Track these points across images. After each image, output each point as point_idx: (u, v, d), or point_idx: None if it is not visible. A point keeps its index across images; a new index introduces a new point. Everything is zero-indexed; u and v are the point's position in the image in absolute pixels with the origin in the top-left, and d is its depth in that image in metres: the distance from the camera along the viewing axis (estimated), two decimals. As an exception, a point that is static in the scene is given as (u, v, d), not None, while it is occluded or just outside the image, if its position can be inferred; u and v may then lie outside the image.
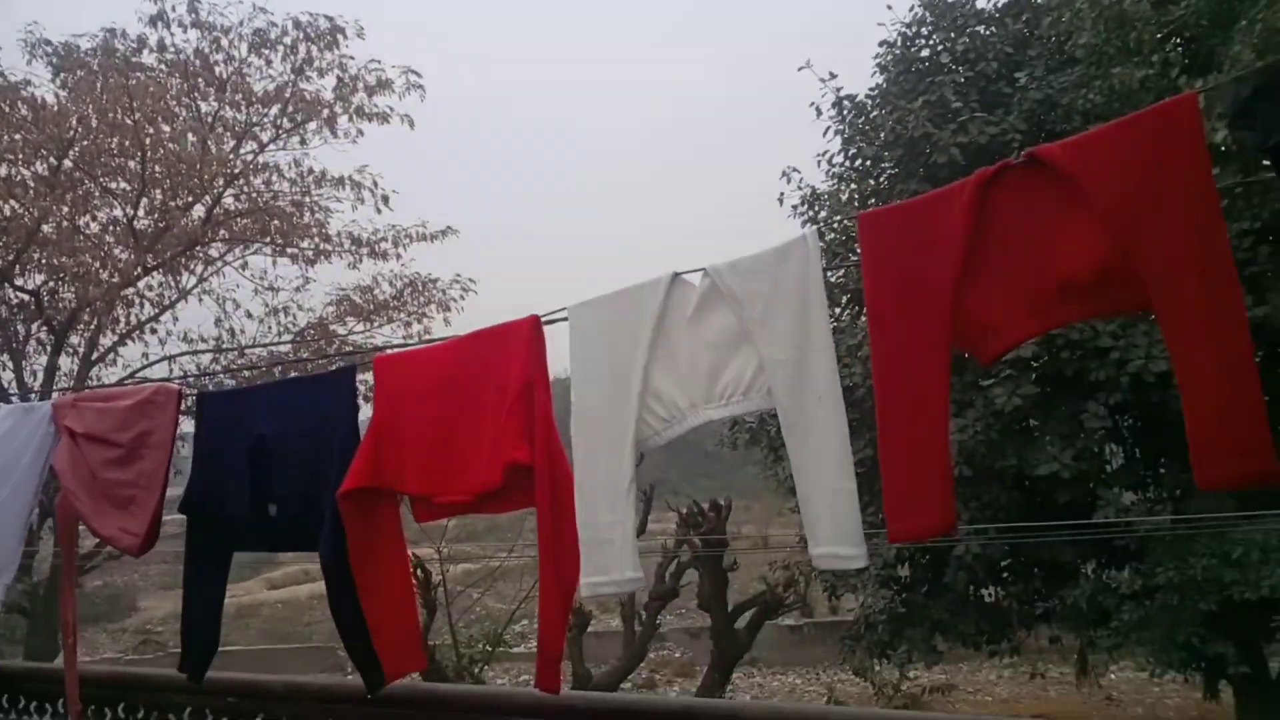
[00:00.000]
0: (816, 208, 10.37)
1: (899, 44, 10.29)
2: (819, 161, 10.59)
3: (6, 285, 12.58)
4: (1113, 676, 13.24)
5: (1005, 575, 9.35)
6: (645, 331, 1.58)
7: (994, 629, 9.48)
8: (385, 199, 12.79)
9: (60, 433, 2.30)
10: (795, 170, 10.52)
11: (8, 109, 11.63)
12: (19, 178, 12.17)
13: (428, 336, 13.78)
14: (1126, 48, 7.81)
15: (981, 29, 9.91)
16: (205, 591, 2.15)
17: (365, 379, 2.06)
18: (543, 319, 1.73)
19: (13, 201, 11.86)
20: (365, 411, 2.00)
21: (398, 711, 2.03)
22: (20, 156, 12.15)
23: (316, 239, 13.36)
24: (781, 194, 10.54)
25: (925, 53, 10.09)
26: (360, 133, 12.91)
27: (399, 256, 13.50)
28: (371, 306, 13.65)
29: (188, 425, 2.26)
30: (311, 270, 13.69)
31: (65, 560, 2.41)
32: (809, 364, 1.42)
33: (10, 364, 13.26)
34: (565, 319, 1.72)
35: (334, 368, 2.00)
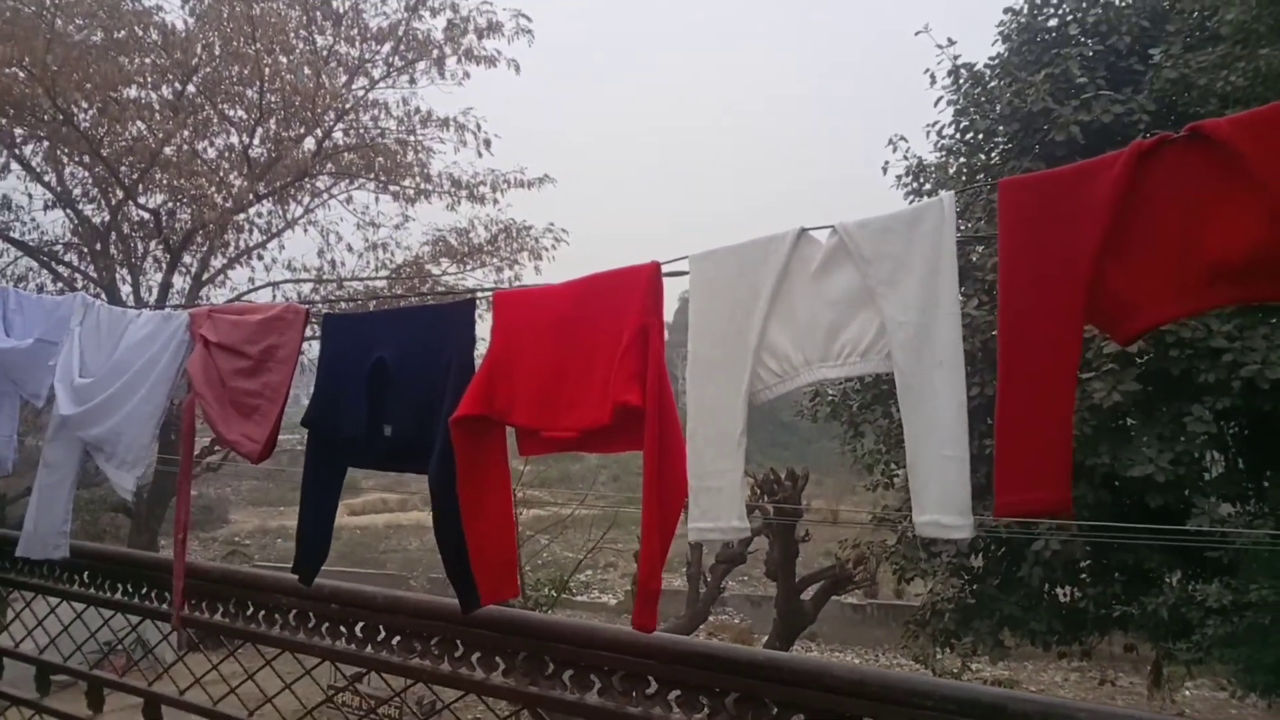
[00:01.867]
0: (922, 179, 10.08)
1: (1025, 12, 9.83)
2: (928, 132, 10.28)
3: (130, 203, 13.27)
4: (1187, 693, 12.81)
5: (1084, 576, 9.10)
6: (766, 285, 1.58)
7: (1066, 630, 9.25)
8: (487, 143, 13.00)
9: (195, 340, 2.44)
10: (902, 139, 10.24)
11: (140, 33, 12.15)
12: (146, 100, 12.75)
13: (518, 282, 14.02)
14: (1279, 27, 7.29)
15: (1116, 0, 9.38)
16: (320, 502, 2.28)
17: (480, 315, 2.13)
18: (663, 266, 1.75)
19: (140, 123, 12.44)
20: (480, 347, 2.07)
21: (489, 635, 2.11)
22: (149, 80, 12.71)
23: (418, 178, 13.68)
24: (886, 163, 10.29)
25: (1053, 23, 9.62)
26: (467, 75, 13.10)
27: (496, 201, 13.73)
28: (466, 249, 13.95)
29: (314, 345, 2.38)
30: (411, 209, 14.06)
31: (184, 462, 2.57)
32: (933, 329, 1.41)
33: (129, 278, 14.03)
34: (686, 271, 1.74)
35: (454, 299, 2.07)
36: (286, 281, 14.35)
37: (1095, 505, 8.29)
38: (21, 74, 10.99)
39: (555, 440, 1.86)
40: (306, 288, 14.49)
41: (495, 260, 14.18)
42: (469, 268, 14.28)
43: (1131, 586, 8.51)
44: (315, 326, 2.31)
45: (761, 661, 1.76)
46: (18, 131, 12.63)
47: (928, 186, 10.23)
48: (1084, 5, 9.28)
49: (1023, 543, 8.66)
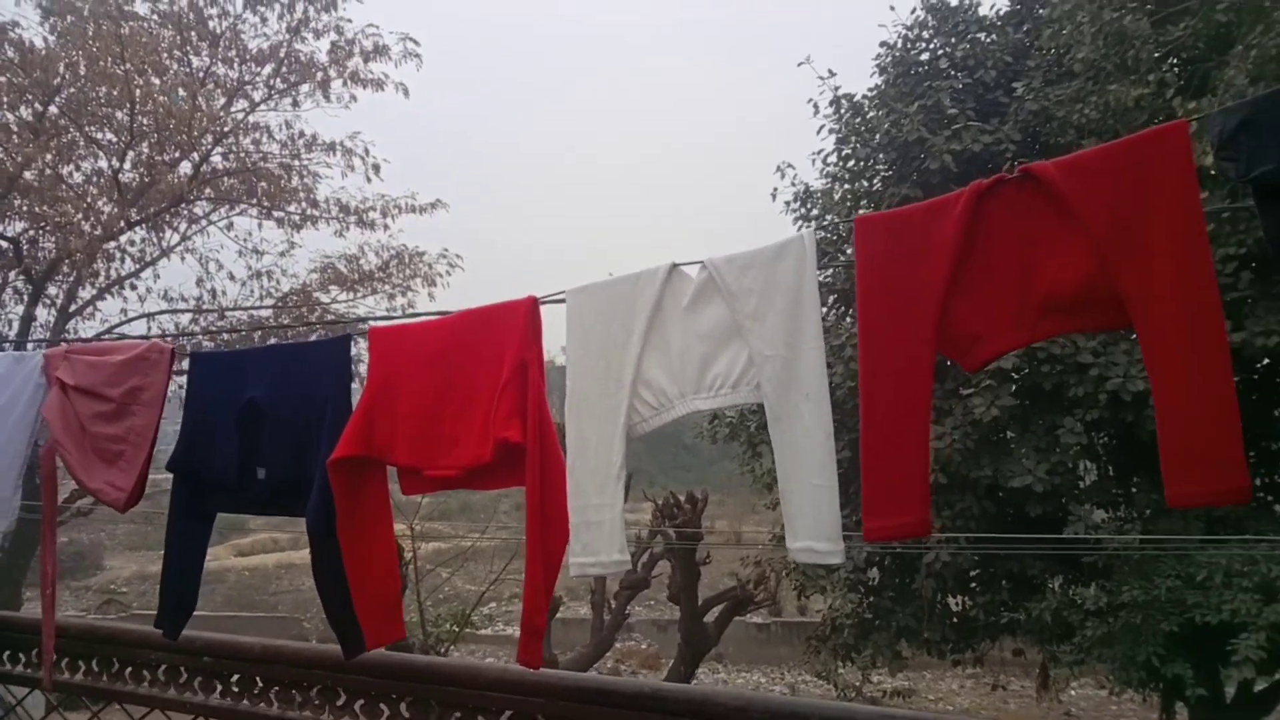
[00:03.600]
0: (809, 205, 10.42)
1: (899, 45, 10.34)
2: (813, 160, 10.65)
3: (-14, 231, 12.40)
4: (1073, 693, 13.49)
5: (973, 585, 9.49)
6: (641, 319, 1.61)
7: (959, 638, 9.60)
8: (376, 168, 12.74)
9: (51, 383, 2.30)
10: (790, 166, 10.58)
11: (-6, 51, 11.42)
12: (3, 121, 11.97)
13: (411, 310, 13.76)
14: (1124, 65, 7.89)
15: (982, 36, 9.97)
16: (187, 550, 2.17)
17: (357, 350, 2.08)
18: (540, 300, 1.76)
19: (-4, 147, 11.66)
20: (355, 383, 2.02)
21: (373, 680, 2.05)
22: (5, 100, 11.95)
23: (304, 204, 13.28)
24: (775, 189, 10.59)
25: (925, 56, 10.15)
26: (354, 98, 12.81)
27: (386, 227, 13.44)
28: (356, 276, 13.60)
29: (179, 383, 2.27)
30: (297, 235, 13.61)
31: (46, 511, 2.41)
32: (799, 362, 1.46)
33: (-14, 312, 13.08)
34: (563, 301, 1.75)
35: (329, 336, 2.01)
36: (163, 312, 13.65)
37: (981, 516, 8.68)
38: None
39: (438, 479, 1.83)
40: (185, 318, 13.82)
41: (388, 287, 13.86)
42: (360, 295, 13.91)
43: (1017, 593, 8.92)
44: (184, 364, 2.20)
45: (647, 693, 1.76)
46: None
47: (814, 211, 10.58)
48: (953, 41, 9.83)
49: (915, 555, 8.97)
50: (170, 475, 2.24)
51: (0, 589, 12.42)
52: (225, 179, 12.92)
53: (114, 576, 23.18)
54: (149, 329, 13.44)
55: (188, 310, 13.67)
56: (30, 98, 11.85)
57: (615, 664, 16.06)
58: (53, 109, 12.02)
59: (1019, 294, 1.32)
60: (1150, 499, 8.24)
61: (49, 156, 11.81)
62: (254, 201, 12.94)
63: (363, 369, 2.01)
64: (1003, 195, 1.35)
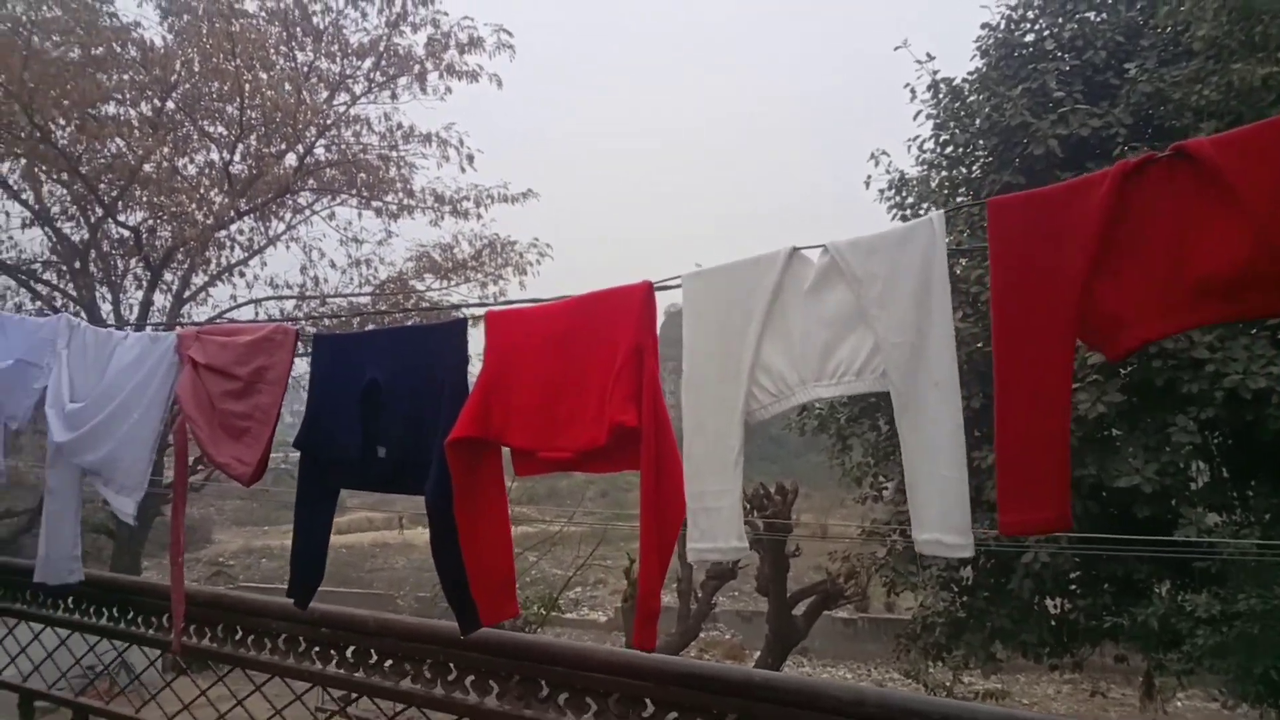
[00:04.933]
0: (905, 193, 10.17)
1: (1002, 27, 9.96)
2: (909, 146, 10.38)
3: (110, 220, 13.17)
4: (1179, 704, 12.87)
5: (1073, 587, 9.13)
6: (760, 304, 1.59)
7: (1057, 642, 9.27)
8: (470, 158, 13.02)
9: (184, 362, 2.42)
10: (884, 153, 10.33)
11: (119, 49, 12.09)
12: (125, 117, 12.67)
13: (503, 297, 14.01)
14: (1251, 42, 7.42)
15: (1091, 15, 9.51)
16: (314, 525, 2.26)
17: (473, 333, 2.12)
18: (655, 285, 1.76)
19: (119, 140, 12.37)
20: (473, 364, 2.07)
21: (484, 657, 2.09)
22: (127, 96, 12.65)
23: (401, 194, 13.68)
24: (869, 177, 10.36)
25: (1030, 38, 9.75)
26: (449, 90, 13.12)
27: (479, 216, 13.74)
28: (450, 264, 13.93)
29: (303, 365, 2.37)
30: (395, 225, 14.05)
31: (178, 484, 2.54)
32: (927, 349, 1.42)
33: (109, 296, 13.90)
34: (679, 285, 1.74)
35: (441, 320, 2.06)
36: (269, 299, 14.28)
37: (1083, 516, 8.33)
38: (-1, 92, 10.91)
39: (551, 461, 1.86)
40: (289, 304, 14.42)
41: (480, 275, 14.17)
42: (453, 283, 14.26)
43: (1121, 597, 8.55)
44: (306, 345, 2.29)
45: (758, 682, 1.75)
46: (-6, 150, 12.51)
47: (910, 200, 10.32)
48: (1060, 21, 9.42)
49: (1012, 555, 8.69)
50: (288, 453, 2.34)
51: (121, 558, 13.23)
52: (327, 170, 13.39)
53: (222, 550, 24.41)
54: (256, 314, 14.08)
55: (292, 296, 14.25)
56: (150, 94, 12.51)
57: (699, 653, 16.08)
58: (170, 104, 12.66)
59: (1170, 277, 1.25)
60: (1270, 503, 7.77)
61: (166, 150, 12.45)
62: (354, 192, 13.38)
63: (476, 352, 2.05)
64: (1152, 175, 1.28)
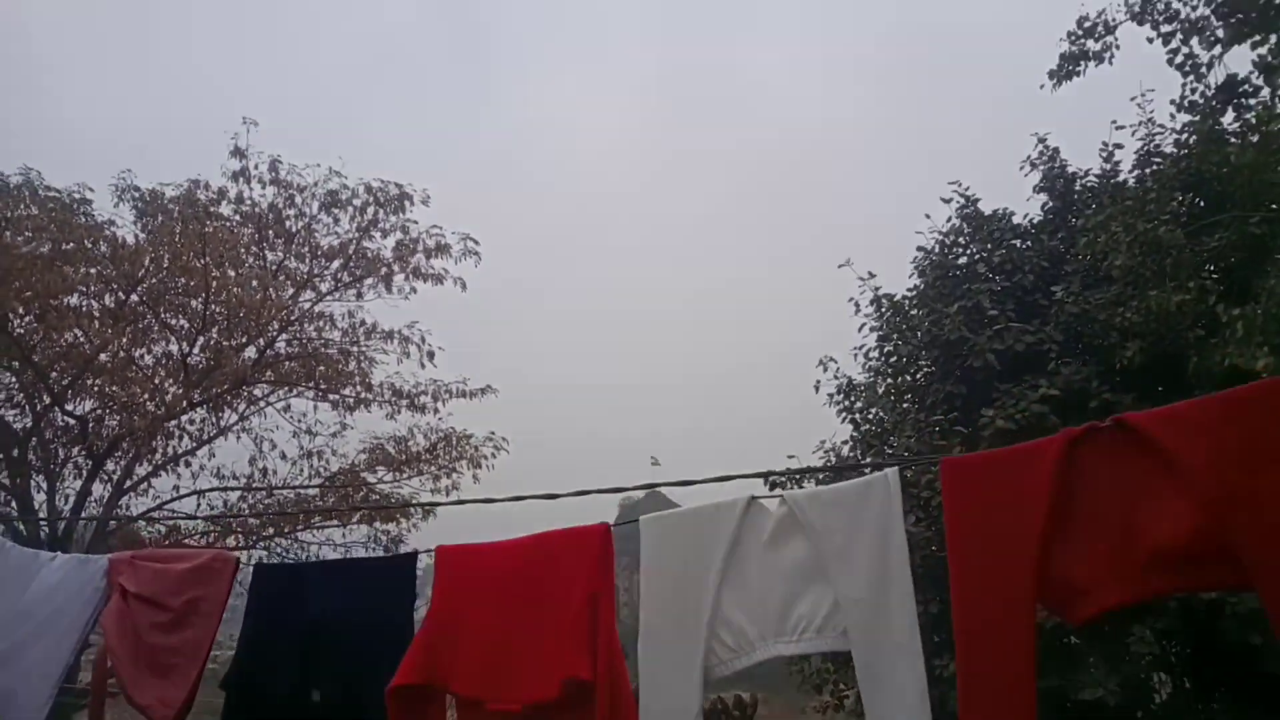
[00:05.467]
0: (853, 397, 10.45)
1: (936, 250, 10.67)
2: (855, 354, 10.79)
3: (56, 409, 12.89)
4: None
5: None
6: (718, 554, 1.58)
7: None
8: (431, 355, 13.18)
9: (113, 589, 2.29)
10: (832, 360, 10.71)
11: (90, 245, 12.33)
12: (87, 308, 12.72)
13: (456, 490, 13.78)
14: (1163, 271, 8.02)
15: (1017, 242, 10.26)
16: (233, 778, 2.07)
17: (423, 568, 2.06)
18: (612, 527, 1.74)
19: (76, 330, 12.34)
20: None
21: None
22: (92, 289, 12.77)
23: (359, 387, 13.69)
24: (818, 381, 10.68)
25: (962, 260, 10.44)
26: (414, 290, 13.48)
27: (437, 411, 13.73)
28: (404, 457, 13.75)
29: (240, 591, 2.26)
30: (350, 417, 13.93)
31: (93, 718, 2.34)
32: (888, 608, 1.40)
33: (45, 485, 13.36)
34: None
35: (394, 553, 2.01)
36: (214, 490, 13.82)
37: (1048, 732, 8.02)
38: (-42, 282, 10.94)
39: (499, 713, 1.75)
40: (234, 495, 13.96)
41: (433, 468, 13.97)
42: (406, 475, 14.01)
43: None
44: (247, 575, 2.19)
45: None
46: (-58, 338, 12.38)
47: (859, 404, 10.60)
48: (989, 246, 10.13)
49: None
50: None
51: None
52: (286, 363, 13.43)
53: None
54: (198, 505, 13.58)
55: (238, 488, 13.83)
56: (115, 287, 12.65)
57: None
58: (134, 297, 12.78)
59: (1122, 546, 1.28)
60: (1235, 719, 7.56)
61: (124, 340, 12.43)
62: (311, 384, 13.38)
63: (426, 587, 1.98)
64: (1097, 442, 1.34)
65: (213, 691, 2.16)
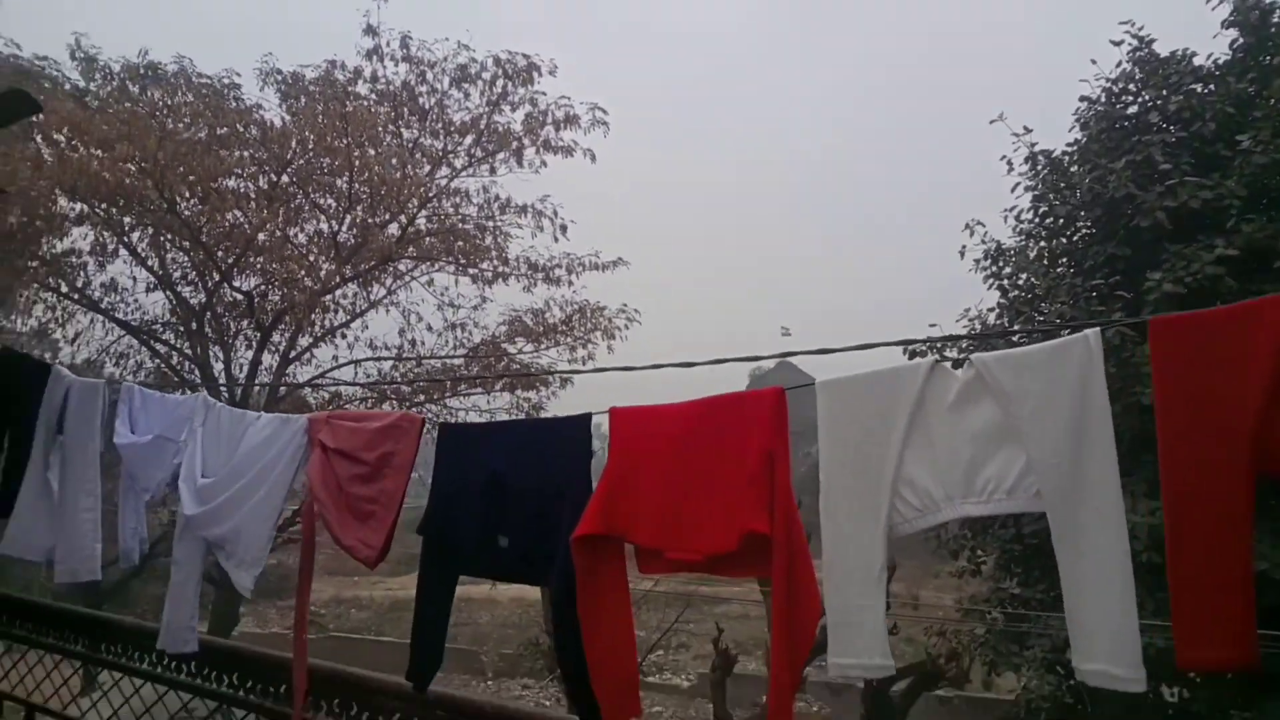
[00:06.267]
0: (1001, 263, 9.96)
1: (1102, 100, 9.77)
2: (1005, 217, 10.19)
3: (225, 285, 13.93)
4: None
5: (1194, 677, 8.52)
6: (901, 416, 1.56)
7: (1176, 733, 8.65)
8: (564, 228, 13.35)
9: (313, 445, 2.52)
10: (979, 224, 10.17)
11: (242, 129, 12.94)
12: (244, 190, 13.49)
13: (592, 361, 14.18)
14: (1376, 112, 7.09)
15: (1198, 87, 9.25)
16: (434, 610, 2.29)
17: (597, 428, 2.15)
18: (787, 391, 1.75)
19: (237, 211, 13.13)
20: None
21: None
22: (247, 171, 13.48)
23: (495, 262, 14.08)
24: (964, 247, 10.20)
25: (1133, 109, 9.53)
26: (544, 164, 13.54)
27: (570, 283, 14.02)
28: (541, 329, 14.20)
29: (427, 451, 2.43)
30: (489, 290, 14.43)
31: (304, 563, 2.62)
32: (1087, 472, 1.36)
33: (221, 356, 14.62)
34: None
35: (571, 415, 2.09)
36: (368, 359, 14.77)
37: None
38: (134, 168, 11.76)
39: (678, 561, 1.85)
40: (387, 365, 14.89)
41: (569, 340, 14.39)
42: (544, 347, 14.51)
43: (1249, 691, 7.92)
44: (432, 433, 2.35)
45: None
46: (126, 220, 13.44)
47: (1007, 270, 10.10)
48: (1164, 94, 9.18)
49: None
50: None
51: (221, 604, 13.65)
52: (427, 239, 13.91)
53: (314, 598, 24.88)
54: (355, 374, 14.57)
55: (389, 358, 14.72)
56: (267, 169, 13.31)
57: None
58: (284, 178, 13.42)
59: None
60: None
61: (279, 220, 13.16)
62: (451, 259, 13.84)
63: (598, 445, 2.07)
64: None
65: (410, 540, 2.37)
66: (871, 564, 1.55)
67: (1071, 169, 9.57)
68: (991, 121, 9.92)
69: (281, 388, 13.76)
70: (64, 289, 14.12)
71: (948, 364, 1.56)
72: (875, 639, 1.54)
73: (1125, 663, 1.31)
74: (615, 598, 1.95)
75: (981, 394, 1.49)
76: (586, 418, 2.08)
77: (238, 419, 2.81)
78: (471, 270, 14.06)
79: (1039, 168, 9.86)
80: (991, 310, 10.10)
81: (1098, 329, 1.39)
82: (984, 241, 10.18)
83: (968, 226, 10.18)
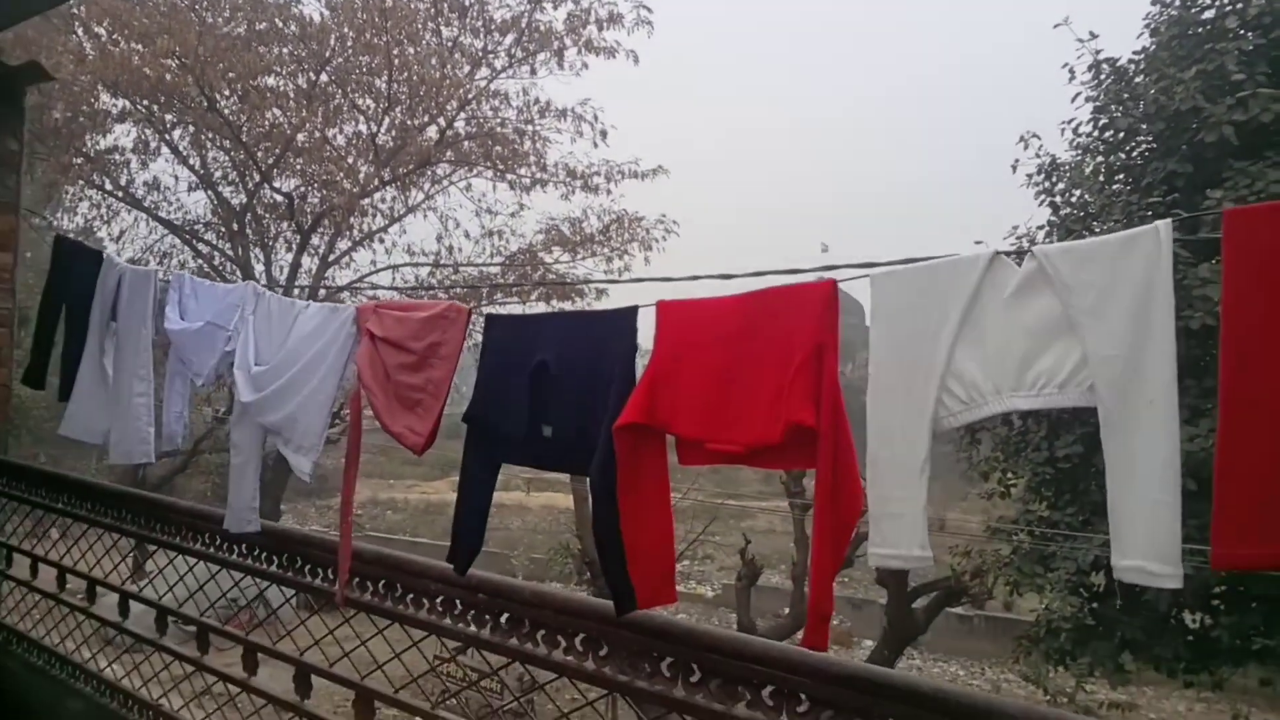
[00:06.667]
0: (1055, 178, 9.63)
1: (1176, 4, 9.23)
2: (1063, 129, 9.80)
3: (265, 185, 13.98)
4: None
5: (1217, 603, 8.56)
6: (955, 308, 1.54)
7: (1195, 658, 8.72)
8: (604, 134, 13.14)
9: (361, 334, 2.56)
10: (1035, 136, 9.79)
11: (280, 24, 12.77)
12: (283, 89, 13.39)
13: (628, 272, 14.14)
14: None
15: (1282, -10, 8.70)
16: (477, 495, 2.36)
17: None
18: (840, 283, 1.73)
19: (276, 110, 13.07)
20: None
21: (637, 637, 2.13)
22: (285, 69, 13.34)
23: (534, 167, 13.95)
24: (1016, 161, 9.86)
25: (1208, 14, 9.00)
26: (585, 65, 13.24)
27: (609, 192, 13.88)
28: (578, 238, 14.14)
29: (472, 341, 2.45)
30: (527, 197, 14.35)
31: (351, 449, 2.69)
32: (1144, 365, 1.34)
33: (262, 257, 14.79)
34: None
35: (618, 306, 2.09)
36: (405, 265, 14.88)
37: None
38: (174, 64, 11.70)
39: (719, 453, 1.86)
40: (424, 271, 14.98)
41: (606, 250, 14.34)
42: (580, 256, 14.48)
43: (1273, 618, 7.96)
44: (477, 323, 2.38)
45: (926, 691, 1.72)
46: (168, 118, 13.46)
47: (1060, 186, 9.78)
48: (1244, -4, 8.66)
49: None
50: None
51: (263, 500, 14.17)
52: (465, 143, 13.77)
53: (350, 500, 25.76)
54: (393, 279, 14.70)
55: (427, 264, 14.80)
56: (306, 67, 13.17)
57: (806, 638, 15.97)
58: (324, 77, 13.28)
59: None
60: None
61: (318, 120, 13.08)
62: (489, 164, 13.73)
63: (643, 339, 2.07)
64: None
65: (446, 445, 2.42)
66: (915, 457, 1.55)
67: (1136, 79, 9.13)
68: (1056, 26, 9.45)
69: (321, 290, 13.94)
70: (108, 186, 14.27)
71: (1005, 257, 1.52)
72: (915, 531, 1.55)
73: (1162, 558, 1.31)
74: (655, 487, 1.99)
75: (1041, 286, 1.45)
76: (633, 310, 2.08)
77: (287, 307, 2.86)
78: (509, 176, 13.96)
79: (1102, 77, 9.42)
80: (1040, 228, 9.83)
81: (1168, 220, 1.34)
82: (1038, 155, 9.83)
83: (1022, 139, 9.82)
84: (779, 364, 1.74)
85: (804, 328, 1.71)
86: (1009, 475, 10.26)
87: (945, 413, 1.54)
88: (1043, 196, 9.73)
